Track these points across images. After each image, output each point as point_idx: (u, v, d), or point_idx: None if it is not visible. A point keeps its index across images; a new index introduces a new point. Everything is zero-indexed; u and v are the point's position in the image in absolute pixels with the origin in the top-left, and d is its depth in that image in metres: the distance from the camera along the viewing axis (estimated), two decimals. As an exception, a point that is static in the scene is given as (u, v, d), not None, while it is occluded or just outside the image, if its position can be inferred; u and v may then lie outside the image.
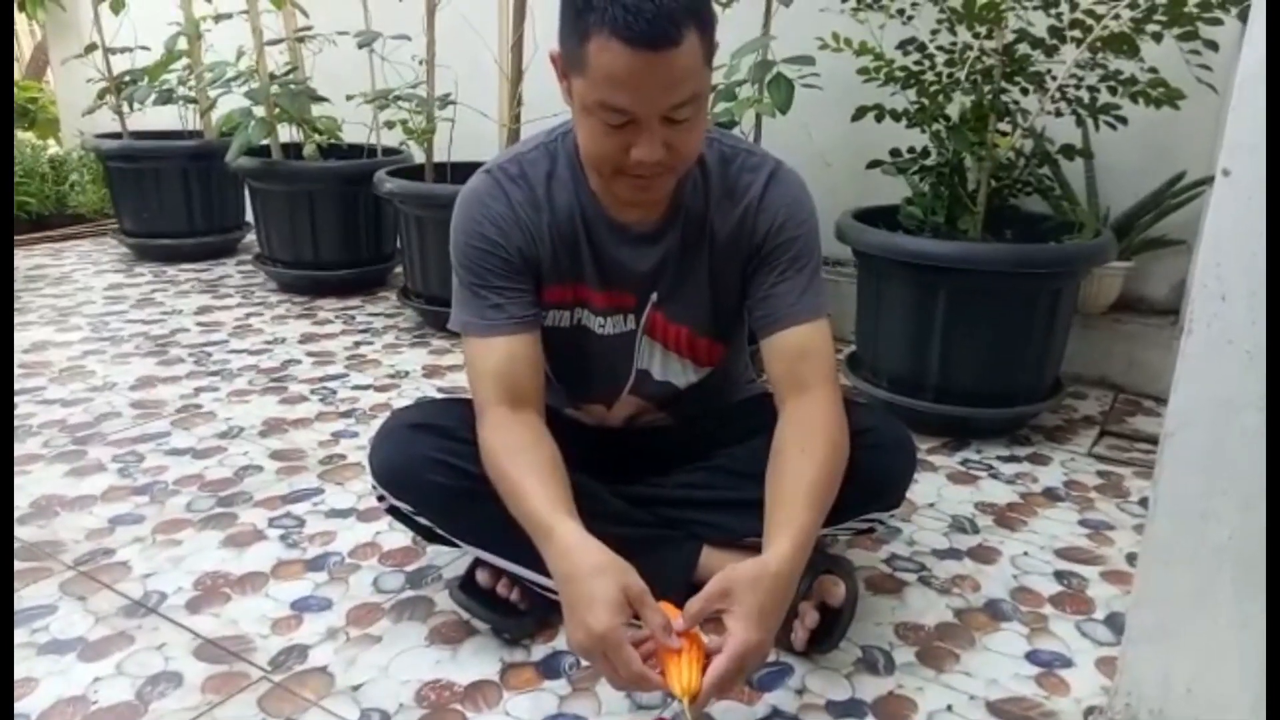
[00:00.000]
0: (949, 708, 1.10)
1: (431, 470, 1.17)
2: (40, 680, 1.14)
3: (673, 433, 1.36)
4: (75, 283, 3.09)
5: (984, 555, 1.45)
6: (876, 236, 1.87)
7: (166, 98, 3.28)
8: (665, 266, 1.21)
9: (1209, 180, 2.00)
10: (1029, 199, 2.10)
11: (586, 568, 0.98)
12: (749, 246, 1.19)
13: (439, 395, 2.06)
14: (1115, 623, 1.27)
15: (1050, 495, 1.67)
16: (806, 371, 1.17)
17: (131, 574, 1.38)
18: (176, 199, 3.33)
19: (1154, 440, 1.90)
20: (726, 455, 1.31)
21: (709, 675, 0.94)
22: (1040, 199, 2.11)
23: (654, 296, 1.23)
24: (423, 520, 1.22)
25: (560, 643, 1.23)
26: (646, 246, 1.20)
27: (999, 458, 1.82)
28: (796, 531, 1.02)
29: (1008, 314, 1.81)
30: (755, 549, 1.26)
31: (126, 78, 3.32)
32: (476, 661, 1.19)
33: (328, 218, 2.90)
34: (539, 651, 1.21)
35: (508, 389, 1.14)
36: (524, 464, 1.09)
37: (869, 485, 1.19)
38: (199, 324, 2.66)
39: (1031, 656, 1.20)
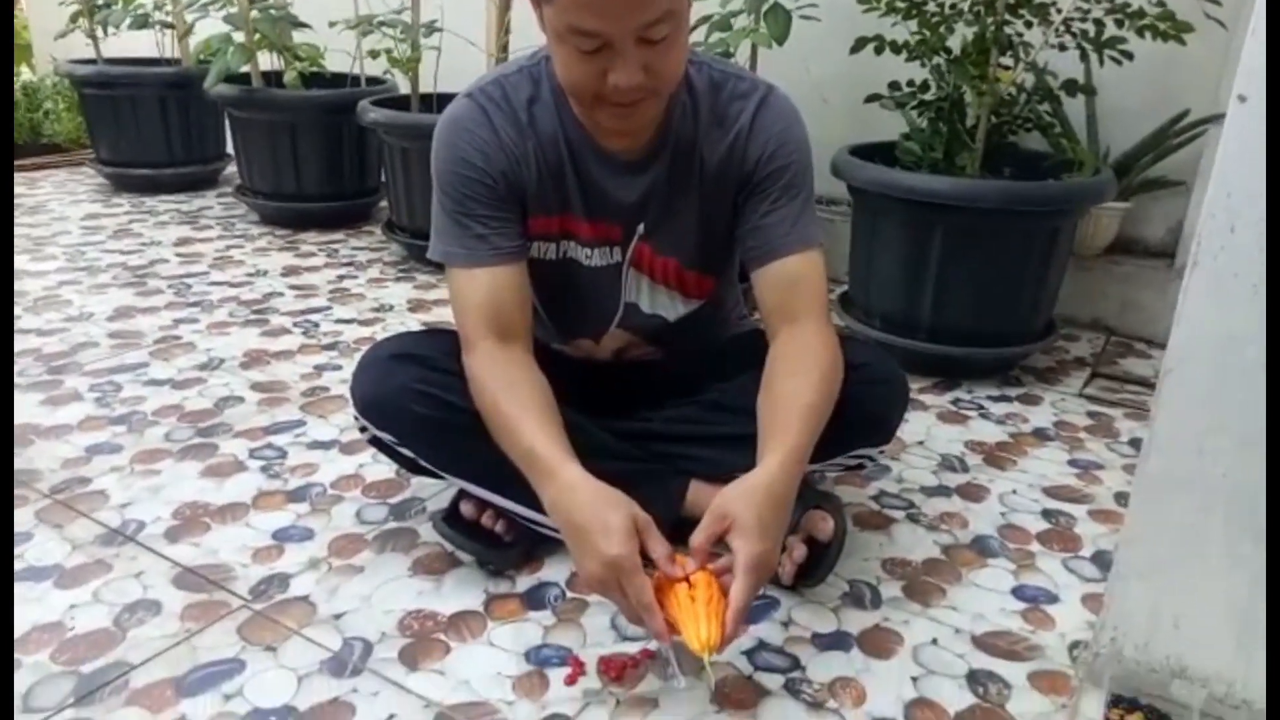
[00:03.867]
0: (934, 641, 1.10)
1: (413, 401, 1.14)
2: (15, 607, 1.12)
3: (662, 367, 1.34)
4: (50, 212, 3.02)
5: (972, 493, 1.45)
6: (873, 172, 1.83)
7: (142, 22, 3.17)
8: (652, 197, 1.17)
9: (1213, 118, 1.96)
10: (1028, 136, 2.06)
11: (597, 500, 0.97)
12: (739, 175, 1.16)
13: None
14: (1102, 560, 1.27)
15: (1040, 435, 1.66)
16: (799, 302, 1.14)
17: (109, 503, 1.36)
18: (154, 128, 3.23)
19: (1145, 383, 1.91)
20: (717, 390, 1.29)
21: (734, 597, 0.92)
22: (1040, 137, 2.06)
23: (640, 228, 1.19)
24: (406, 452, 1.19)
25: (546, 574, 1.21)
26: (633, 176, 1.16)
27: (989, 398, 1.81)
28: (788, 449, 1.00)
29: (1004, 253, 1.78)
30: (744, 483, 1.26)
31: (100, 0, 3.20)
32: (460, 593, 1.18)
33: (310, 149, 2.82)
34: (524, 583, 1.20)
35: (495, 322, 1.11)
36: (517, 401, 1.06)
37: (860, 420, 1.17)
38: (178, 255, 2.60)
39: (1018, 592, 1.20)
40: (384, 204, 2.84)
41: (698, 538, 0.97)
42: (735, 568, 0.94)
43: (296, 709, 0.98)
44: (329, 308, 2.22)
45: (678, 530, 1.24)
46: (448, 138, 1.13)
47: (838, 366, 1.11)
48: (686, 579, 0.95)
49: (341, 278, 2.45)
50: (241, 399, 1.72)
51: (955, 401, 1.79)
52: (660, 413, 1.31)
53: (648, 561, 0.95)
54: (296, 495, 1.40)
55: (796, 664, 1.06)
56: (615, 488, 1.00)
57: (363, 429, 1.21)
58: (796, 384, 1.07)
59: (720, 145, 1.15)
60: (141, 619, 1.11)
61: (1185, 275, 0.92)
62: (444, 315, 2.13)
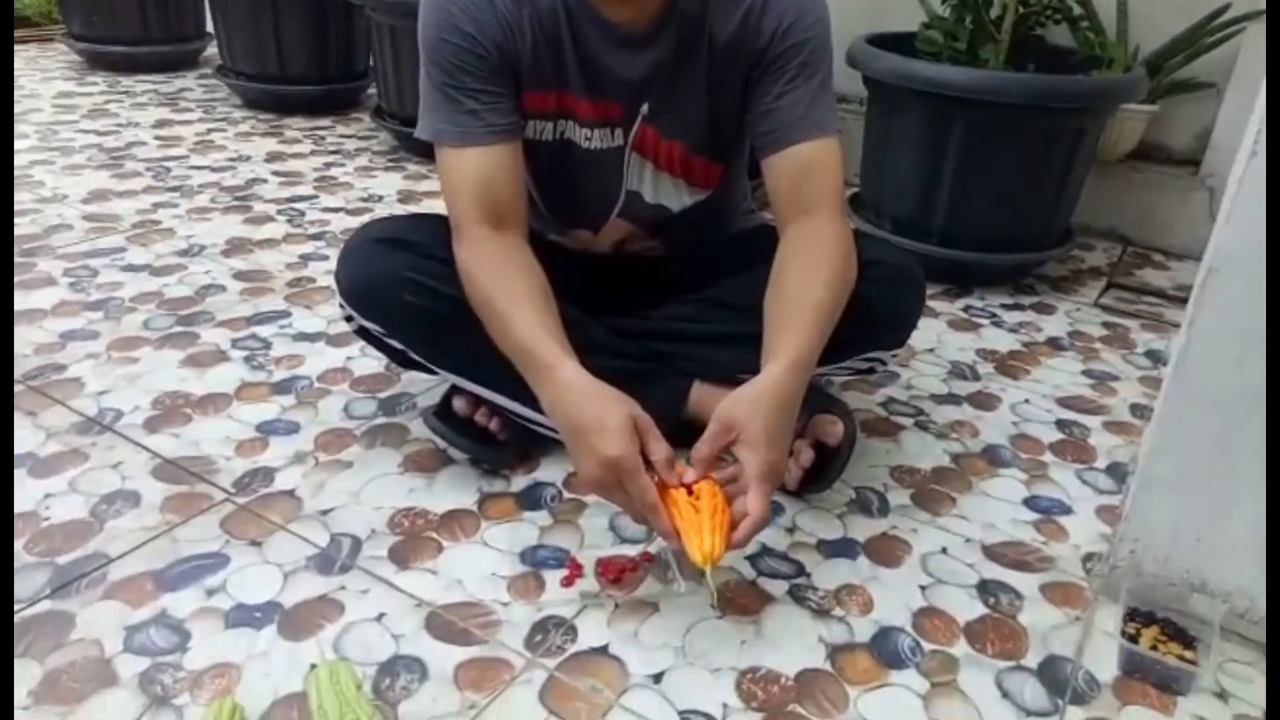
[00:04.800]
0: (944, 550, 1.06)
1: (403, 290, 1.07)
2: (-13, 495, 1.08)
3: (665, 263, 1.27)
4: (21, 89, 2.87)
5: (984, 402, 1.40)
6: (891, 62, 1.72)
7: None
8: (657, 75, 1.08)
9: (1253, 15, 1.85)
10: (1055, 31, 1.94)
11: (595, 398, 0.91)
12: (752, 51, 1.06)
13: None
14: (1117, 472, 1.23)
15: (1054, 345, 1.60)
16: (812, 192, 1.06)
17: (85, 390, 1.30)
18: (128, 2, 3.05)
19: (1162, 295, 1.85)
20: (721, 287, 1.22)
21: (751, 508, 0.87)
22: (1068, 30, 1.95)
23: (644, 109, 1.10)
24: (395, 344, 1.13)
25: (541, 474, 1.17)
26: (636, 50, 1.06)
27: (1002, 305, 1.75)
28: (796, 351, 0.94)
29: (1026, 153, 1.69)
30: (749, 385, 1.21)
31: None
32: (453, 491, 1.13)
33: (294, 27, 2.67)
34: (519, 482, 1.16)
35: (487, 206, 1.03)
36: (512, 293, 0.99)
37: (874, 321, 1.11)
38: (157, 138, 2.48)
39: (1030, 503, 1.16)
40: (372, 90, 2.71)
41: (702, 449, 0.91)
42: (746, 478, 0.88)
43: (282, 605, 0.94)
44: (315, 196, 2.13)
45: (679, 434, 1.20)
46: (437, 3, 1.03)
47: (851, 263, 1.04)
48: (688, 487, 0.90)
49: (328, 165, 2.35)
50: (223, 287, 1.64)
51: (966, 309, 1.73)
52: (662, 310, 1.25)
53: (648, 465, 0.89)
54: (281, 387, 1.34)
55: (801, 570, 1.02)
56: (613, 387, 0.94)
57: (348, 319, 1.14)
58: (807, 281, 1.00)
59: (732, 18, 1.05)
60: (120, 510, 1.07)
61: (1238, 167, 0.84)
62: (436, 207, 2.03)
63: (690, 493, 0.90)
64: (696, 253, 1.26)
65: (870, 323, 1.09)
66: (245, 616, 0.92)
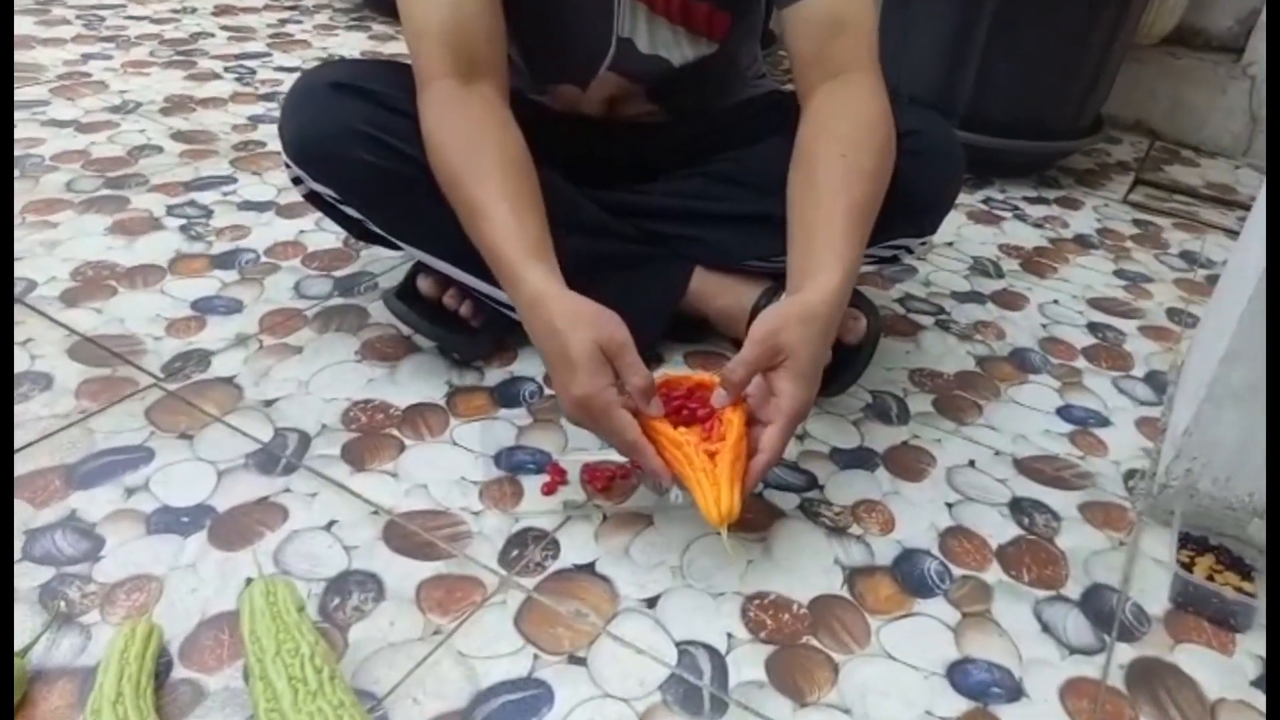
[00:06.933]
0: (971, 463, 0.95)
1: (359, 146, 0.91)
2: None
3: (664, 130, 1.10)
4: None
5: (1009, 301, 1.27)
6: (922, -84, 1.52)
7: None
8: None
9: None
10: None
11: (558, 321, 0.75)
12: None
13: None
14: (1156, 381, 1.11)
15: (1082, 242, 1.47)
16: (843, 50, 0.90)
17: (-8, 257, 1.13)
18: None
19: (1194, 193, 1.71)
20: (729, 160, 1.07)
21: (766, 446, 0.74)
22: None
23: None
24: (350, 211, 0.97)
25: (520, 367, 1.03)
26: None
27: (1025, 199, 1.61)
28: (848, 261, 0.79)
29: (1064, 27, 1.51)
30: (756, 274, 1.06)
31: None
32: (417, 382, 0.99)
33: None
34: (494, 375, 1.02)
35: (457, 53, 0.86)
36: (480, 169, 0.82)
37: (907, 202, 0.94)
38: (90, -16, 2.22)
39: (1064, 412, 1.04)
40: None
41: (739, 371, 0.75)
42: (774, 411, 0.75)
43: (214, 509, 0.80)
44: (268, 54, 1.91)
45: (676, 327, 1.07)
46: None
47: (893, 137, 0.89)
48: (703, 419, 0.77)
49: (284, 21, 2.11)
50: (160, 148, 1.45)
51: (987, 200, 1.58)
52: (660, 184, 1.09)
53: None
54: (223, 261, 1.18)
55: (814, 483, 0.90)
56: (603, 271, 0.83)
57: (296, 180, 0.97)
58: (846, 170, 0.83)
59: None
60: (28, 394, 0.92)
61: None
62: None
63: (707, 422, 0.76)
64: (701, 120, 1.09)
65: (901, 203, 0.93)
66: (170, 521, 0.79)
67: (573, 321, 0.75)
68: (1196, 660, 0.75)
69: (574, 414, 0.76)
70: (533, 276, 0.78)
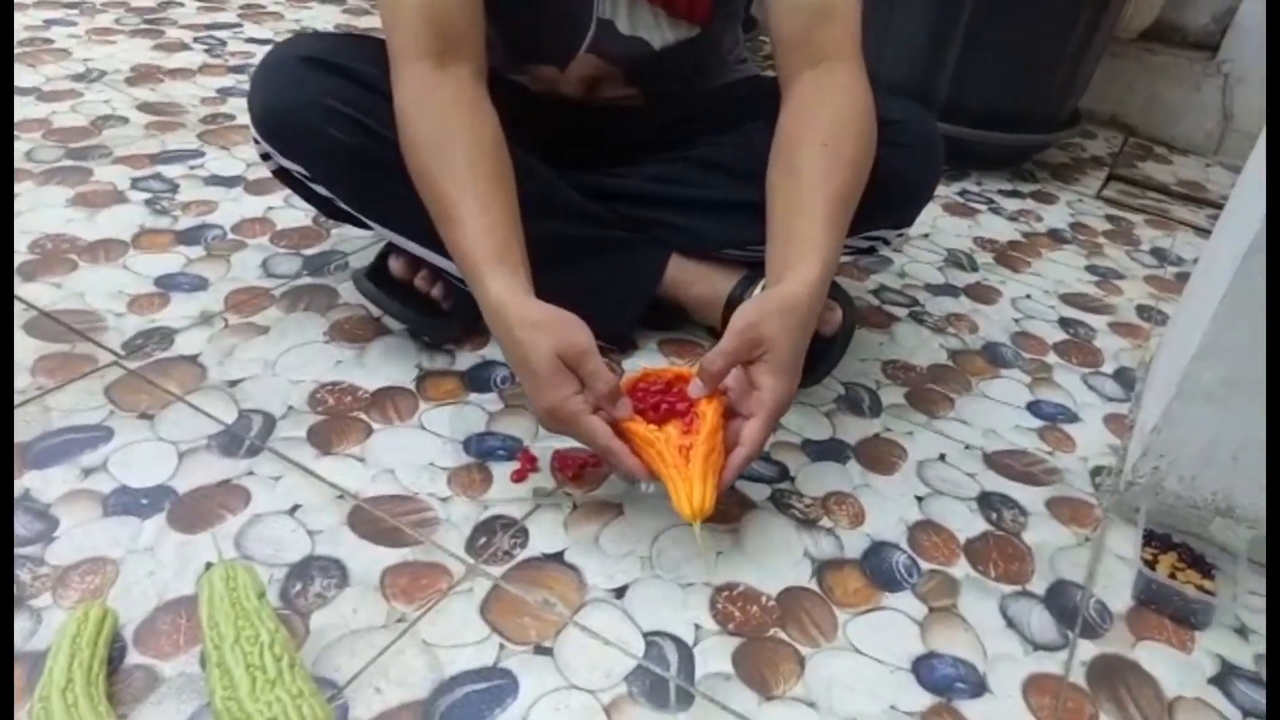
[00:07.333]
0: (942, 457, 0.95)
1: (329, 122, 0.88)
2: None
3: (644, 114, 1.09)
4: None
5: (982, 294, 1.27)
6: (906, -96, 1.51)
7: None
8: None
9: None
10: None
11: (518, 331, 0.74)
12: None
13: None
14: (1125, 378, 1.12)
15: (1055, 236, 1.48)
16: (829, 38, 0.89)
17: (-53, 227, 1.10)
18: None
19: (1165, 190, 1.72)
20: (710, 146, 1.06)
21: (748, 440, 0.73)
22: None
23: None
24: (320, 189, 0.95)
25: (491, 352, 1.02)
26: None
27: (1000, 191, 1.61)
28: (828, 252, 0.79)
29: (1044, 19, 1.51)
30: (733, 263, 1.05)
31: None
32: (386, 365, 0.98)
33: None
34: (465, 359, 1.00)
35: (434, 30, 0.83)
36: (450, 165, 0.80)
37: (887, 194, 0.93)
38: (55, -54, 2.16)
39: (1034, 408, 1.05)
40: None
41: (718, 362, 0.75)
42: (754, 405, 0.74)
43: (175, 491, 0.79)
44: (239, 25, 1.87)
45: (651, 314, 1.06)
46: None
47: (875, 128, 0.88)
48: (680, 411, 0.76)
49: (256, -9, 2.07)
50: (125, 119, 1.42)
51: (963, 193, 1.59)
52: (639, 169, 1.08)
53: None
54: (188, 237, 1.15)
55: (785, 474, 0.90)
56: (579, 257, 0.83)
57: (265, 156, 0.95)
58: (828, 158, 0.83)
59: None
60: (-18, 370, 0.89)
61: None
62: (378, 45, 1.80)
63: (686, 415, 0.76)
64: (681, 105, 1.08)
65: (880, 195, 0.93)
66: (128, 502, 0.77)
67: (532, 330, 0.74)
68: (1157, 657, 0.75)
69: (544, 421, 0.76)
70: (495, 284, 0.76)
